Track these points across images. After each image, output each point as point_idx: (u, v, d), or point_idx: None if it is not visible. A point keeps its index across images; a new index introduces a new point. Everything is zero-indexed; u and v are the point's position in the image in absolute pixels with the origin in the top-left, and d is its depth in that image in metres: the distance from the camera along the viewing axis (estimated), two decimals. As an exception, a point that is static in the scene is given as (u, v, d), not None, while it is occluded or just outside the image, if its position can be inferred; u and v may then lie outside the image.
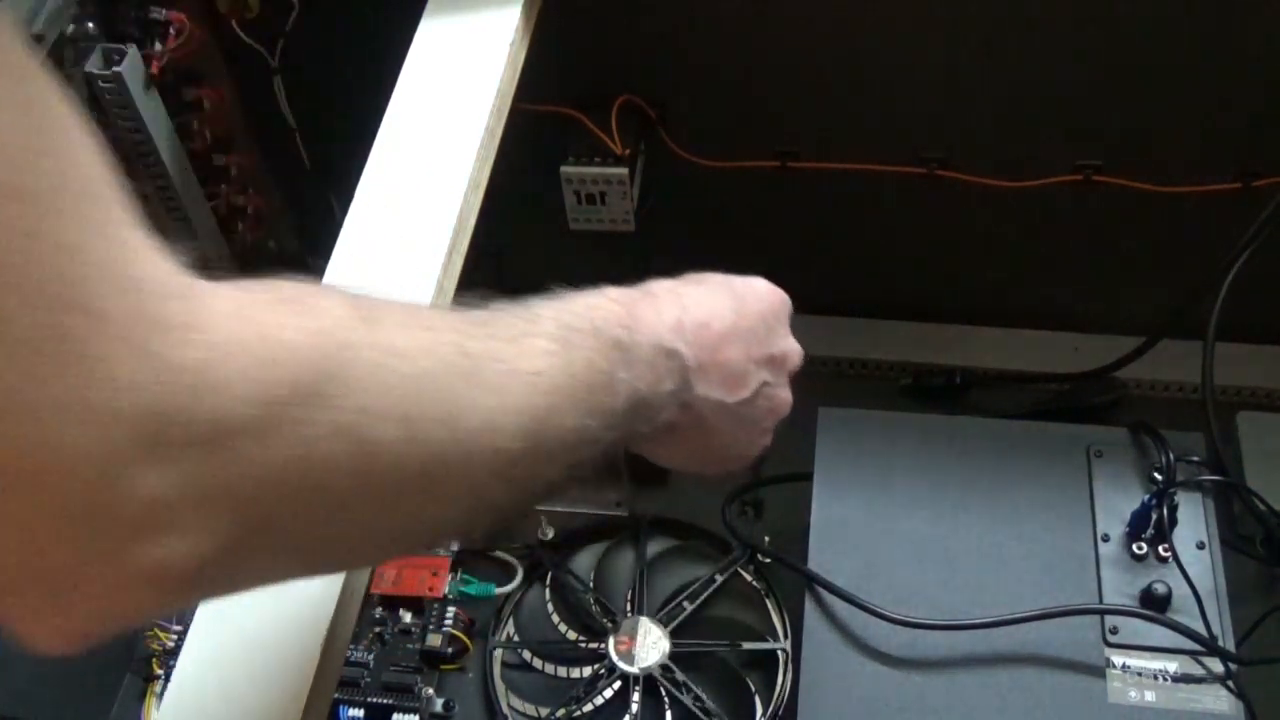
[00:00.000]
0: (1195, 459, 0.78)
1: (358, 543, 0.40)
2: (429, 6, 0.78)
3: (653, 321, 0.50)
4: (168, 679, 0.68)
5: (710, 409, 0.54)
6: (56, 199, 0.30)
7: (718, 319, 0.54)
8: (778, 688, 0.82)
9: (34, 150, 0.29)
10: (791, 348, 0.59)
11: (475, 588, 0.89)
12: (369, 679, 0.86)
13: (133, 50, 0.78)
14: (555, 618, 0.88)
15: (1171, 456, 0.77)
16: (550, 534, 0.92)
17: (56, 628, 0.33)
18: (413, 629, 0.87)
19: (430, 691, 0.85)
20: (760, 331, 0.57)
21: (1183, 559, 0.74)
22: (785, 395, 0.59)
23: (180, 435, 0.32)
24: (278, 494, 0.35)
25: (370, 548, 0.43)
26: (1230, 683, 0.70)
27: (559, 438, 0.44)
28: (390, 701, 0.85)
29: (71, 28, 0.76)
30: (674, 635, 0.84)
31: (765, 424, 0.59)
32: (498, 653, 0.87)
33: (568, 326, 0.46)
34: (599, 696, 0.82)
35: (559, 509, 0.95)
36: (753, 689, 0.82)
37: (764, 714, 0.82)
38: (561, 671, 0.86)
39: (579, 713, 0.82)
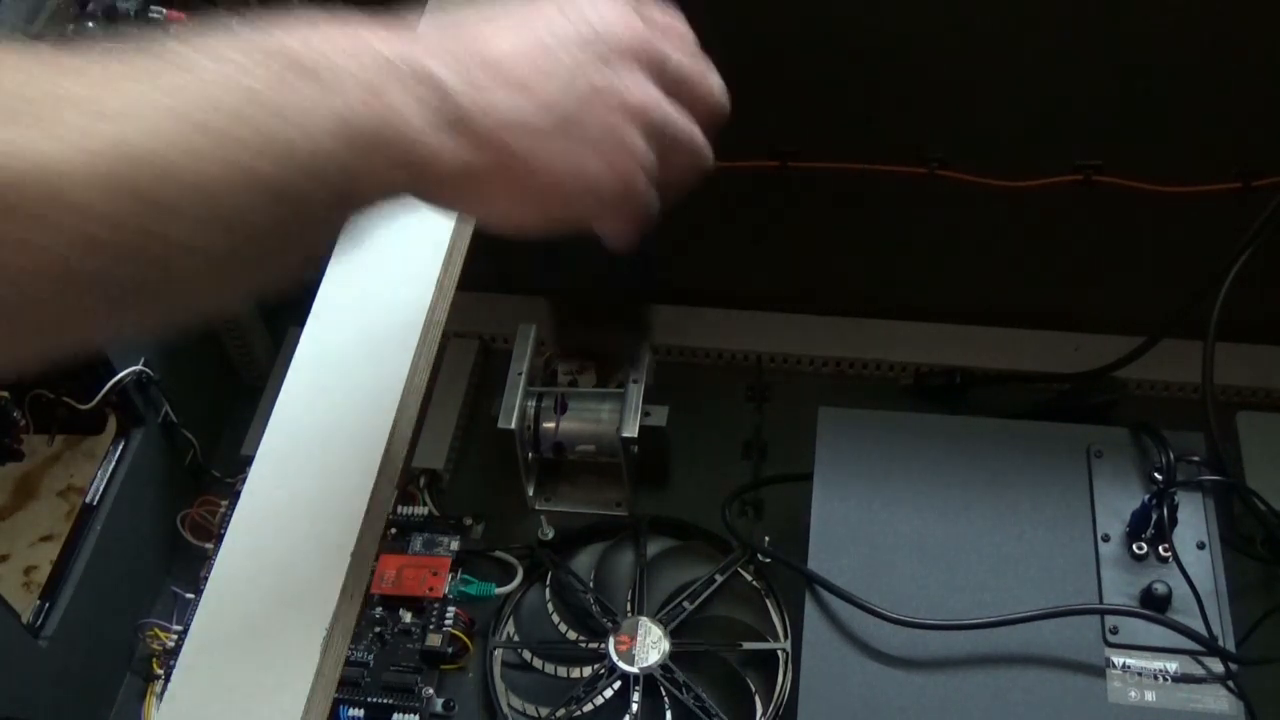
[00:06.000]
0: (1195, 459, 0.78)
1: None
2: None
3: (349, 35, 0.39)
4: (168, 679, 0.68)
5: (514, 130, 0.41)
6: None
7: (483, 18, 0.42)
8: (778, 688, 0.82)
9: None
10: (615, 20, 0.43)
11: (475, 588, 0.89)
12: (369, 679, 0.86)
13: (133, 50, 0.79)
14: (555, 618, 0.88)
15: (1171, 456, 0.77)
16: (550, 534, 0.92)
17: None
18: (413, 629, 0.87)
19: (430, 691, 0.85)
20: (558, 14, 0.43)
21: (1183, 559, 0.74)
22: (631, 84, 0.43)
23: None
24: None
25: None
26: (1230, 683, 0.70)
27: (192, 185, 0.34)
28: (390, 701, 0.85)
29: (71, 28, 0.76)
30: (674, 635, 0.84)
31: (616, 128, 0.43)
32: (498, 653, 0.87)
33: (205, 50, 0.36)
34: (599, 696, 0.82)
35: (559, 509, 0.95)
36: (753, 689, 0.82)
37: (764, 714, 0.82)
38: (561, 671, 0.86)
39: (579, 713, 0.82)
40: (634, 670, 0.82)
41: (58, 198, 0.31)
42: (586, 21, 0.43)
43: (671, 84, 0.46)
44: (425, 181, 0.40)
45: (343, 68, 0.37)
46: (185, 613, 0.89)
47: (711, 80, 0.48)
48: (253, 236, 0.36)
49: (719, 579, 0.87)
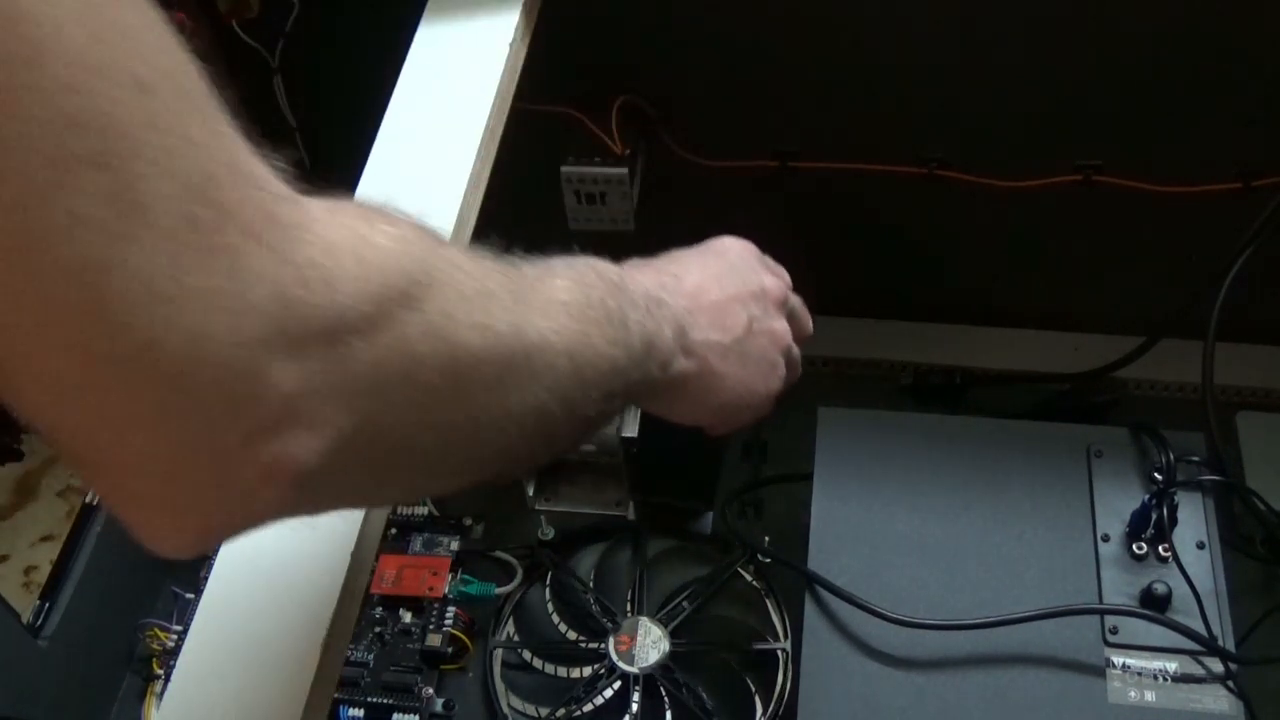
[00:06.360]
0: (1195, 459, 0.78)
1: (446, 454, 0.42)
2: (429, 6, 0.78)
3: (635, 276, 0.54)
4: (168, 679, 0.68)
5: (714, 353, 0.57)
6: (178, 94, 0.30)
7: (690, 273, 0.59)
8: (778, 688, 0.82)
9: (155, 46, 0.30)
10: (769, 282, 0.63)
11: (475, 588, 0.89)
12: (369, 679, 0.86)
13: (133, 50, 0.79)
14: (555, 618, 0.88)
15: (1171, 456, 0.77)
16: (550, 534, 0.92)
17: (178, 524, 0.35)
18: (413, 629, 0.87)
19: (430, 691, 0.85)
20: (734, 274, 0.61)
21: (1183, 559, 0.74)
22: (778, 325, 0.63)
23: (304, 329, 0.33)
24: (384, 391, 0.36)
25: (455, 463, 0.44)
26: (1230, 683, 0.70)
27: (594, 364, 0.47)
28: (390, 701, 0.85)
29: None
30: (674, 635, 0.84)
31: (770, 357, 0.62)
32: (498, 653, 0.87)
33: (575, 268, 0.49)
34: (599, 696, 0.82)
35: (559, 509, 0.95)
36: (753, 689, 0.82)
37: (764, 714, 0.82)
38: (561, 671, 0.86)
39: (579, 713, 0.82)
40: (634, 670, 0.82)
41: (546, 361, 0.44)
42: (753, 281, 0.62)
43: (789, 319, 0.64)
44: (665, 376, 0.54)
45: (635, 291, 0.52)
46: (185, 613, 0.89)
47: (808, 315, 0.68)
48: (604, 406, 0.49)
49: (719, 579, 0.87)
